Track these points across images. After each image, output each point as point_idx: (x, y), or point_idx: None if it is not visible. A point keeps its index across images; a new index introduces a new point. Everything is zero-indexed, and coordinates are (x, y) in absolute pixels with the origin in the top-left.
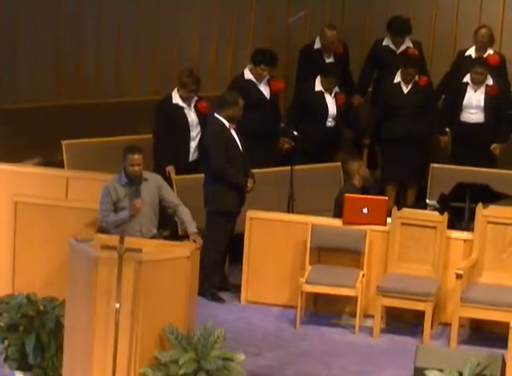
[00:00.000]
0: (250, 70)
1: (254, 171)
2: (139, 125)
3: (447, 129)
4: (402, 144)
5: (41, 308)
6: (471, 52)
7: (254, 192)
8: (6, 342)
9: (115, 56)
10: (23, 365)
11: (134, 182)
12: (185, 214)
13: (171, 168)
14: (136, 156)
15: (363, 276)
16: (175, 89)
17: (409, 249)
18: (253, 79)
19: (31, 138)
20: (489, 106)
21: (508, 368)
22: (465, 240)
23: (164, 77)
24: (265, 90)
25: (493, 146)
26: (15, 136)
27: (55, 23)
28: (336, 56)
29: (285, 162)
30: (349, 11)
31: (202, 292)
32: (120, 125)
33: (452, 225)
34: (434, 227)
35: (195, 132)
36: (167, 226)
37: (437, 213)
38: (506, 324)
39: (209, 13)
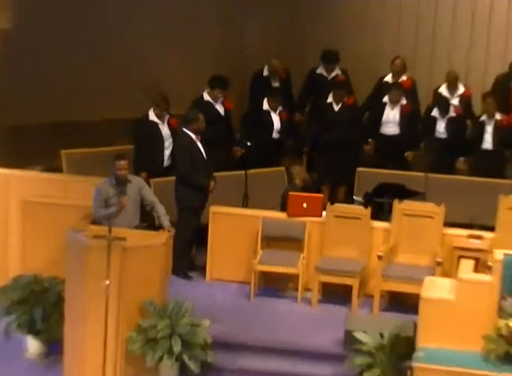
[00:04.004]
0: (208, 93)
1: (216, 174)
2: (116, 138)
3: (370, 140)
4: (334, 152)
5: (46, 285)
6: (389, 77)
7: (215, 191)
8: (17, 314)
9: (99, 82)
10: (32, 330)
11: (120, 183)
12: (160, 210)
13: (144, 174)
14: (122, 162)
15: (304, 257)
16: (151, 109)
17: (340, 236)
18: (210, 100)
19: (35, 148)
20: (403, 122)
21: (419, 330)
22: (384, 229)
23: (135, 100)
24: (220, 109)
25: (407, 153)
26: (22, 147)
27: (57, 52)
28: (280, 80)
29: (238, 166)
30: (291, 45)
31: (174, 272)
32: (102, 138)
33: (374, 217)
34: (360, 219)
35: (168, 143)
36: (146, 219)
37: (362, 207)
38: (418, 295)
39: (171, 46)
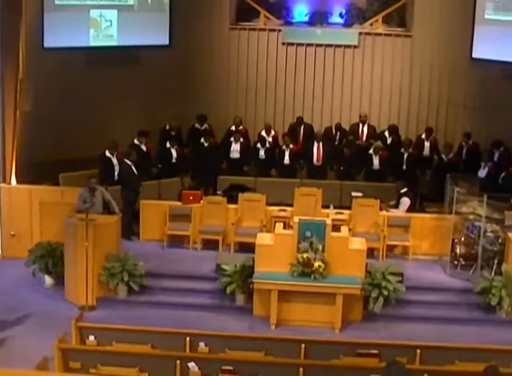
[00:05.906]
0: (137, 139)
1: (143, 183)
2: (91, 165)
3: (225, 161)
4: (206, 168)
5: (54, 247)
6: (233, 127)
7: (143, 192)
8: (39, 263)
9: (84, 139)
10: (47, 272)
11: (92, 190)
12: (113, 204)
13: (105, 186)
14: (93, 179)
15: (191, 226)
16: (107, 150)
17: (211, 213)
18: (138, 143)
19: (46, 173)
20: (242, 151)
21: (255, 262)
22: (234, 208)
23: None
24: (144, 148)
25: (244, 167)
26: (39, 172)
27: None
28: (176, 132)
29: (155, 178)
30: (182, 112)
31: (123, 236)
32: (83, 166)
33: (229, 202)
34: (221, 203)
35: (116, 168)
36: (106, 209)
37: (222, 197)
38: (254, 243)
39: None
